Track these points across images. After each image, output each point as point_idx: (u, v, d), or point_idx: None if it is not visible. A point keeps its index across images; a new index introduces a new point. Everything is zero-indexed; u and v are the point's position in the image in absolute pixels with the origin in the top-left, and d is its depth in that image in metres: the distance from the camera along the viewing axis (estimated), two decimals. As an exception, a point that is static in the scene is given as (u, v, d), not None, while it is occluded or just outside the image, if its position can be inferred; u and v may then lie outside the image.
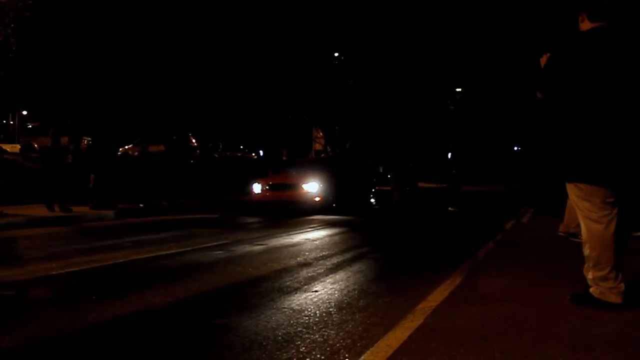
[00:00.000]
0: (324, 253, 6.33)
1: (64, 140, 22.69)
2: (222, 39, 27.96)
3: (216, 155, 32.29)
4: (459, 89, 51.13)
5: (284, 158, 17.09)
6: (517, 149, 63.56)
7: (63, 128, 26.99)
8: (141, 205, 14.63)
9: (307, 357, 2.71)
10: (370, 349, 2.70)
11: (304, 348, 2.84)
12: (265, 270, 5.18)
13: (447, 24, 40.24)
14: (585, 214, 3.35)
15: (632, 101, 3.15)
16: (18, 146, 27.88)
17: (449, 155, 52.67)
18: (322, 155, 36.79)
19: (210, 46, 27.33)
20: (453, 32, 41.44)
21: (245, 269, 5.28)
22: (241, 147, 44.18)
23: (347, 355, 2.72)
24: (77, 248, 6.95)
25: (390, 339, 2.86)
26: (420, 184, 39.97)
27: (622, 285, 3.25)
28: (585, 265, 3.42)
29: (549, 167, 3.53)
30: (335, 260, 5.79)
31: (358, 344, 2.88)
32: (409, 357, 2.52)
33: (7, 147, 27.08)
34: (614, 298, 3.25)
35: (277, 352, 2.78)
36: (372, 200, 16.24)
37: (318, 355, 2.73)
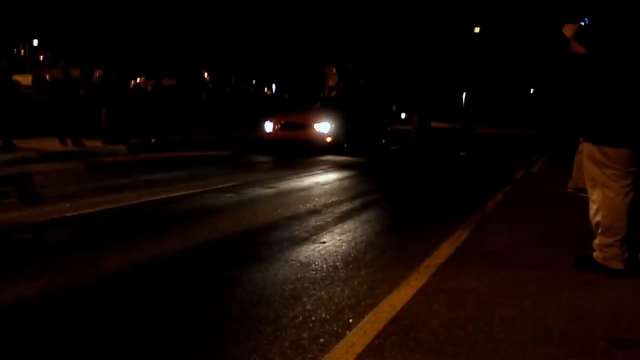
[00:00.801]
0: (333, 199, 6.40)
1: (76, 72, 22.55)
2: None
3: (228, 90, 32.10)
4: (477, 29, 49.93)
5: None
6: (533, 91, 62.62)
7: (75, 59, 26.86)
8: (153, 140, 14.72)
9: (312, 315, 2.81)
10: (374, 309, 2.78)
11: (309, 306, 2.94)
12: (275, 217, 5.27)
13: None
14: (604, 181, 3.32)
15: None
16: (30, 76, 27.82)
17: (464, 95, 52.11)
18: (334, 93, 36.45)
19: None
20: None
21: (255, 214, 5.37)
22: (254, 81, 43.79)
23: (351, 315, 2.81)
24: (90, 187, 7.06)
25: (394, 298, 2.94)
26: (434, 124, 39.73)
27: (627, 254, 3.29)
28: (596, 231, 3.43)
29: (574, 128, 3.47)
30: (344, 208, 5.87)
31: (362, 303, 2.97)
32: (411, 319, 2.60)
33: (19, 78, 27.03)
34: (617, 264, 3.30)
35: (284, 309, 2.88)
36: (384, 140, 16.18)
37: (323, 315, 2.82)
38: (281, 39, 32.96)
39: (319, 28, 33.20)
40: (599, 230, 3.36)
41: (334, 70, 42.53)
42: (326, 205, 5.95)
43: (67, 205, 5.65)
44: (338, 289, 3.23)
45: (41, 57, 30.03)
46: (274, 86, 48.79)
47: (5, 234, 4.48)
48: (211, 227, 4.76)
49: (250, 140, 16.28)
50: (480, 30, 49.88)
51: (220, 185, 7.29)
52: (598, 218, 3.36)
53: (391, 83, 40.82)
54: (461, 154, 14.98)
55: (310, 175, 8.81)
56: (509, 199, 6.45)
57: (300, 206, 5.88)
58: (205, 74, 32.10)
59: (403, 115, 40.64)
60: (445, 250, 3.98)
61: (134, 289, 3.25)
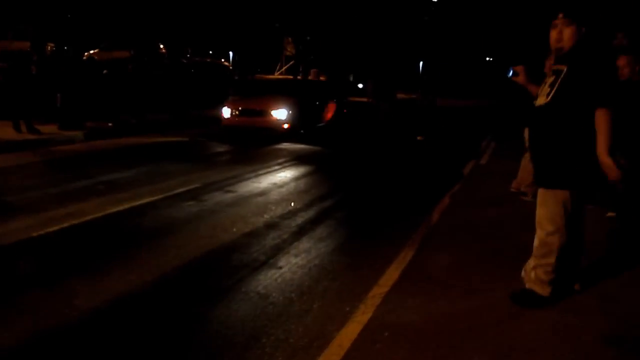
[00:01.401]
0: (289, 208, 6.76)
1: (22, 44, 21.89)
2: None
3: (184, 61, 31.56)
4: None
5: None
6: (489, 59, 63.60)
7: (22, 33, 25.95)
8: (110, 124, 14.66)
9: (271, 359, 3.19)
10: (325, 351, 3.18)
11: (268, 348, 3.31)
12: (234, 234, 5.60)
13: None
14: (562, 221, 3.62)
15: None
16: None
17: (421, 65, 52.55)
18: (292, 63, 36.39)
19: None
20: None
21: (215, 231, 5.69)
22: (210, 52, 43.16)
23: (305, 358, 3.19)
24: (52, 192, 7.21)
25: (342, 337, 3.34)
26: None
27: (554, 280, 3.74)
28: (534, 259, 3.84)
29: (547, 173, 3.75)
30: (299, 220, 6.23)
31: (314, 344, 3.36)
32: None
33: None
34: (545, 290, 3.76)
35: (246, 353, 3.24)
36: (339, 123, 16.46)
37: (280, 358, 3.20)
38: (239, 7, 32.53)
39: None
40: (539, 255, 3.76)
41: (291, 41, 42.38)
42: (282, 217, 6.31)
43: (31, 221, 5.83)
44: (293, 327, 3.61)
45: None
46: (230, 55, 48.24)
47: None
48: (175, 250, 5.05)
49: (207, 120, 16.34)
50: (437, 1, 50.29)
51: (181, 189, 7.54)
52: (543, 250, 3.75)
53: (348, 53, 41.00)
54: (419, 138, 15.50)
55: (267, 172, 9.12)
56: (455, 205, 6.91)
57: (259, 218, 6.22)
58: (161, 46, 31.48)
59: (360, 85, 40.94)
60: (391, 274, 4.40)
61: (107, 330, 3.55)
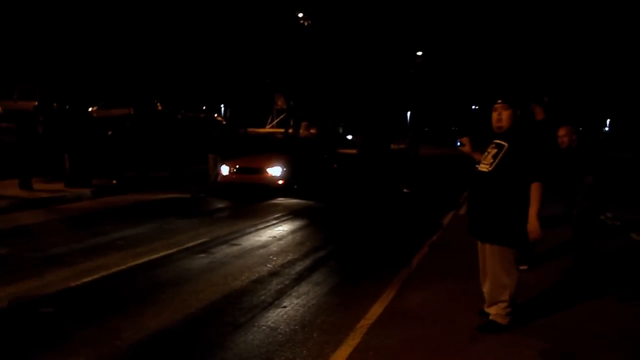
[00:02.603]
0: (288, 258, 7.78)
1: (26, 105, 22.96)
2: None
3: (180, 117, 32.73)
4: (419, 53, 52.53)
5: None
6: (475, 108, 65.70)
7: (27, 92, 27.12)
8: (114, 181, 15.61)
9: (282, 373, 4.16)
10: (323, 367, 4.16)
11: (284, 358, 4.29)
12: (244, 281, 6.60)
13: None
14: (503, 268, 4.70)
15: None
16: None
17: (409, 115, 54.20)
18: (283, 116, 37.75)
19: (171, 8, 27.69)
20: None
21: (226, 280, 6.67)
22: (204, 107, 44.56)
23: (308, 372, 4.17)
24: (77, 247, 8.16)
25: (337, 356, 4.32)
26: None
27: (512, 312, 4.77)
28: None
29: (492, 231, 4.78)
30: (298, 268, 7.25)
31: (314, 362, 4.34)
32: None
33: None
34: (505, 321, 4.76)
35: (263, 370, 4.22)
36: (330, 179, 17.62)
37: (290, 373, 4.18)
38: (232, 64, 33.96)
39: (268, 55, 34.50)
40: (501, 299, 4.77)
41: (282, 96, 44.03)
42: (283, 266, 7.32)
43: (67, 273, 6.79)
44: (298, 350, 4.59)
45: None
46: (222, 109, 49.76)
47: (26, 307, 5.63)
48: (195, 295, 6.03)
49: (205, 174, 17.27)
50: (422, 53, 52.48)
51: (191, 244, 8.52)
52: (500, 294, 4.78)
53: (337, 107, 42.61)
54: (405, 190, 16.65)
55: (266, 227, 10.13)
56: (433, 251, 7.94)
57: (263, 267, 7.22)
58: (157, 103, 32.70)
59: (350, 137, 42.27)
60: (375, 310, 5.39)
61: (153, 356, 4.50)
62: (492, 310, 4.85)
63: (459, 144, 5.10)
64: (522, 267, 6.66)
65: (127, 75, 27.97)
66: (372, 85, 44.16)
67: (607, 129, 56.03)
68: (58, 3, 22.93)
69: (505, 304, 4.75)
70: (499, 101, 4.80)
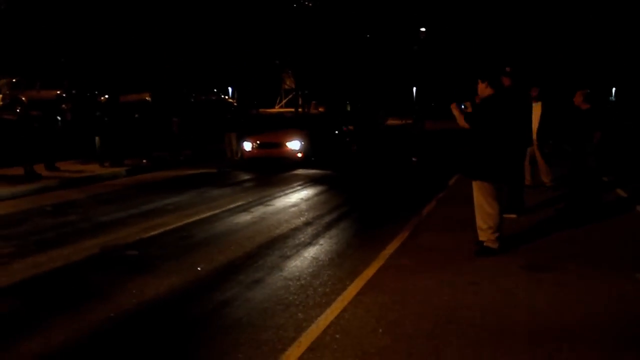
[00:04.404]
0: (318, 213, 9.20)
1: (48, 94, 24.42)
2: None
3: (192, 100, 34.02)
4: (423, 29, 53.46)
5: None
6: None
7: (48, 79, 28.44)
8: (144, 160, 17.00)
9: (329, 282, 5.58)
10: (356, 278, 5.56)
11: (326, 277, 5.70)
12: (284, 229, 8.02)
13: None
14: (485, 199, 6.14)
15: (513, 134, 6.02)
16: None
17: (415, 91, 55.24)
18: (291, 95, 38.88)
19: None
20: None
21: (270, 229, 8.09)
22: (214, 90, 45.74)
23: (347, 283, 5.56)
24: (135, 212, 9.59)
25: (368, 273, 5.73)
26: (390, 121, 42.92)
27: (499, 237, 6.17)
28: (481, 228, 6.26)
29: (470, 169, 6.34)
30: (327, 219, 8.69)
31: (351, 276, 5.74)
32: (375, 282, 5.39)
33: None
34: (495, 245, 6.16)
35: (313, 280, 5.64)
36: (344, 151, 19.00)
37: (332, 281, 5.59)
38: (239, 48, 35.01)
39: (276, 36, 35.57)
40: (485, 227, 6.18)
41: (291, 75, 45.18)
42: (314, 218, 8.77)
43: (137, 229, 8.24)
44: (337, 269, 6.02)
45: (14, 79, 31.15)
46: (229, 90, 50.89)
47: (114, 252, 7.08)
48: (247, 240, 7.46)
49: (223, 153, 18.67)
50: (426, 30, 53.42)
51: (231, 206, 9.94)
52: (482, 221, 6.19)
53: (344, 85, 43.81)
54: (413, 159, 18.03)
55: (293, 191, 11.54)
56: (440, 204, 9.33)
57: (297, 220, 8.66)
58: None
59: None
60: (394, 244, 6.80)
61: (222, 278, 5.94)
62: (483, 238, 6.24)
63: (463, 106, 6.48)
64: (511, 216, 7.92)
65: (145, 63, 29.20)
66: (377, 63, 45.29)
67: (612, 97, 56.85)
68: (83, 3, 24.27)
69: (491, 230, 6.14)
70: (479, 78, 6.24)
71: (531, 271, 5.66)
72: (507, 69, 7.53)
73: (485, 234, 6.22)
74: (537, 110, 9.39)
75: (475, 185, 6.21)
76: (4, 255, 6.94)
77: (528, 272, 5.64)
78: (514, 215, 7.89)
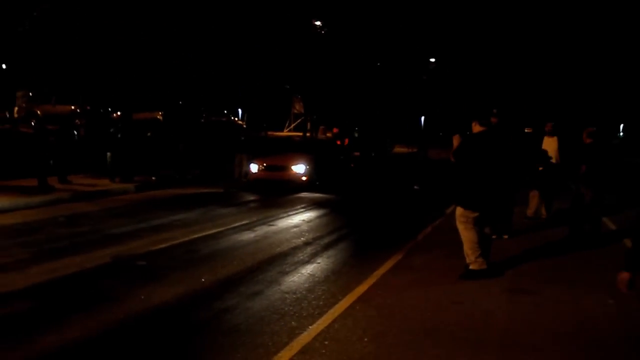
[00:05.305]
0: (318, 234, 9.64)
1: (63, 109, 25.04)
2: (207, 8, 30.32)
3: (202, 121, 34.64)
4: (432, 59, 54.30)
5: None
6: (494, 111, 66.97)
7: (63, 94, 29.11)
8: (153, 178, 17.49)
9: (322, 297, 6.01)
10: (348, 294, 5.99)
11: (320, 292, 6.13)
12: (285, 247, 8.47)
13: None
14: (463, 225, 6.59)
15: (497, 170, 6.49)
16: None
17: (422, 121, 55.90)
18: (300, 120, 39.53)
19: (194, 16, 29.54)
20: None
21: (271, 246, 8.54)
22: (225, 111, 46.48)
23: (339, 297, 5.99)
24: (144, 227, 10.05)
25: (359, 290, 6.15)
26: (397, 149, 43.53)
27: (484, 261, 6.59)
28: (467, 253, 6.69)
29: (455, 197, 6.84)
30: (326, 240, 9.12)
31: (343, 292, 6.17)
32: (366, 297, 5.81)
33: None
34: (482, 267, 6.58)
35: (308, 294, 6.07)
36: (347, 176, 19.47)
37: (326, 296, 6.02)
38: (251, 73, 35.71)
39: (288, 61, 36.30)
40: (470, 252, 6.60)
41: (300, 99, 45.94)
42: (314, 239, 9.20)
43: (146, 242, 8.70)
44: (332, 285, 6.44)
45: (30, 93, 31.92)
46: (239, 112, 51.68)
47: (125, 262, 7.53)
48: (250, 256, 7.91)
49: (232, 174, 19.14)
50: (435, 60, 54.26)
51: (236, 224, 10.40)
52: (467, 246, 6.63)
53: (353, 111, 44.50)
54: (415, 187, 18.48)
55: (295, 213, 12.00)
56: (435, 231, 9.76)
57: (298, 239, 9.10)
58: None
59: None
60: (387, 265, 7.24)
61: (228, 286, 6.37)
62: (468, 260, 6.67)
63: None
64: (504, 237, 8.55)
65: (158, 82, 29.86)
66: (386, 91, 46.02)
67: (621, 133, 57.18)
68: (94, 19, 25.01)
69: (471, 252, 6.57)
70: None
71: (512, 293, 6.07)
72: (494, 110, 8.15)
73: (469, 257, 6.64)
74: (552, 144, 10.14)
75: (456, 210, 6.67)
76: (20, 260, 7.41)
77: (509, 294, 6.06)
78: (506, 236, 8.52)
